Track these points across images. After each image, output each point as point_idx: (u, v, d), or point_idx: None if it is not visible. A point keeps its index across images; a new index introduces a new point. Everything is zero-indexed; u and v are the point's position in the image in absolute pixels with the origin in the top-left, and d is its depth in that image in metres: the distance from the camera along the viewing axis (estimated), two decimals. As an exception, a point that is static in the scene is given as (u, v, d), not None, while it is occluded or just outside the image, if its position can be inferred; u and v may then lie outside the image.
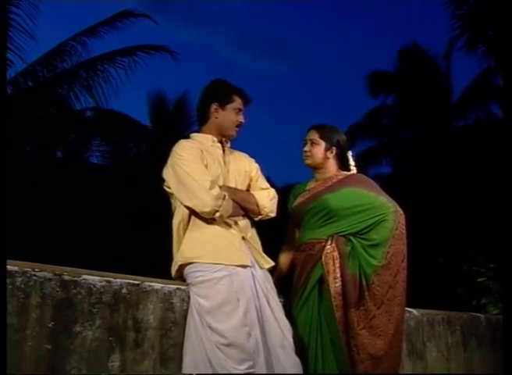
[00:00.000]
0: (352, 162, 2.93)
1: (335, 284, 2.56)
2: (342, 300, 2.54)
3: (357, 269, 2.59)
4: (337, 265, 2.59)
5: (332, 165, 2.86)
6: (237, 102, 2.60)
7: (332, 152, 2.85)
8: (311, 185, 2.90)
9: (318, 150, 2.84)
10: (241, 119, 2.61)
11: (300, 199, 2.85)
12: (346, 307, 2.53)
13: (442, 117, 12.52)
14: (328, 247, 2.63)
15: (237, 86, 2.66)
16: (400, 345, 2.69)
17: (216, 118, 2.60)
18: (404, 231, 2.73)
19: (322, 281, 2.61)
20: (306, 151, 2.86)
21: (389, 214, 2.70)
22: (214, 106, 2.59)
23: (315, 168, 2.88)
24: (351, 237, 2.65)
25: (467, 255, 12.06)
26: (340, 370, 2.50)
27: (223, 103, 2.58)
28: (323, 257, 2.61)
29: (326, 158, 2.84)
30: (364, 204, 2.71)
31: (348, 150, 2.95)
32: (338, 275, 2.57)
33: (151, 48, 9.47)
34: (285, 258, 2.88)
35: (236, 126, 2.61)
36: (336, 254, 2.60)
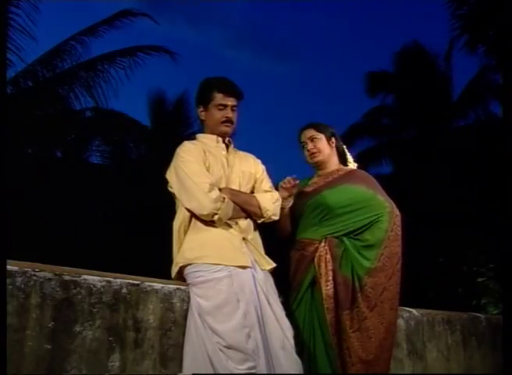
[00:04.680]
0: (349, 154, 2.95)
1: (326, 287, 2.55)
2: (333, 303, 2.53)
3: (350, 270, 2.57)
4: (329, 267, 2.57)
5: (334, 158, 2.88)
6: (218, 98, 2.53)
7: (333, 142, 2.88)
8: (313, 180, 2.90)
9: (323, 143, 2.85)
10: (225, 114, 2.53)
11: (300, 195, 2.83)
12: (338, 310, 2.52)
13: (442, 117, 12.52)
14: (321, 249, 2.62)
15: (229, 81, 2.59)
16: (390, 349, 2.66)
17: (204, 120, 2.60)
18: (400, 233, 2.70)
19: (315, 283, 2.60)
20: (311, 149, 2.84)
21: (384, 214, 2.68)
22: (200, 109, 2.60)
23: (322, 163, 2.87)
24: (344, 239, 2.64)
25: (467, 255, 12.06)
26: (334, 371, 2.49)
27: (206, 104, 2.57)
28: (316, 259, 2.61)
29: (331, 148, 2.86)
30: (361, 202, 2.70)
31: (342, 142, 2.97)
32: (330, 278, 2.56)
33: (150, 49, 9.48)
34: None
35: (223, 123, 2.54)
36: (328, 256, 2.59)
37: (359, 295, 2.55)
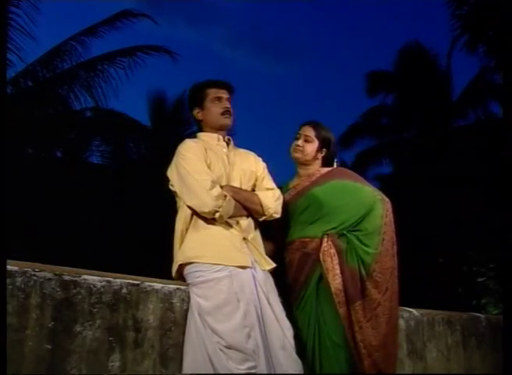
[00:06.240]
0: (335, 165, 2.96)
1: (335, 281, 2.56)
2: (344, 296, 2.54)
3: (356, 261, 2.60)
4: (335, 261, 2.59)
5: (318, 164, 2.89)
6: (212, 93, 2.57)
7: (322, 153, 2.87)
8: (294, 182, 2.90)
9: (311, 148, 2.84)
10: (224, 105, 2.57)
11: (286, 197, 2.81)
12: (350, 302, 2.54)
13: (442, 117, 12.52)
14: (324, 244, 2.62)
15: (229, 82, 2.64)
16: (397, 332, 2.76)
17: (202, 120, 2.61)
18: (392, 218, 2.76)
19: (320, 280, 2.61)
20: (298, 146, 2.85)
21: (377, 202, 2.74)
22: (196, 111, 2.62)
23: (301, 163, 2.88)
24: (345, 232, 2.66)
25: (467, 255, 12.07)
26: (341, 369, 2.50)
27: (200, 103, 2.59)
28: (321, 255, 2.61)
29: (316, 158, 2.86)
30: (352, 194, 2.75)
31: (335, 153, 2.97)
32: (337, 271, 2.57)
33: (150, 48, 9.48)
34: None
35: (223, 114, 2.57)
36: (333, 251, 2.60)
37: (368, 283, 2.58)
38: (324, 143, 2.85)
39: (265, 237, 2.60)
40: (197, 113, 2.62)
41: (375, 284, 2.59)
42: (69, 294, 1.96)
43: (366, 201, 2.73)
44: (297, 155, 2.85)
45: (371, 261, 2.61)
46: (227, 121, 2.59)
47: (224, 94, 2.58)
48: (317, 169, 2.87)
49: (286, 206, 2.76)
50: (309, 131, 2.85)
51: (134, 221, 9.62)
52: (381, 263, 2.63)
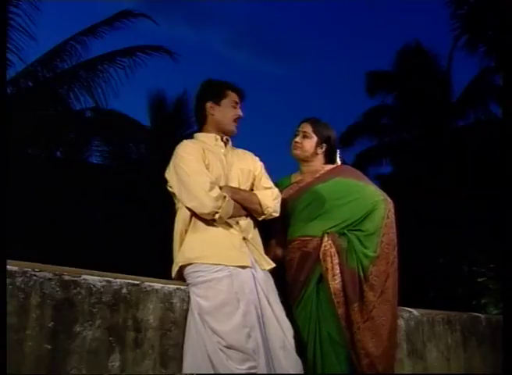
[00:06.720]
0: (338, 162, 2.95)
1: (334, 281, 2.55)
2: (343, 296, 2.54)
3: (356, 262, 2.60)
4: (335, 261, 2.58)
5: (319, 160, 2.87)
6: (232, 96, 2.59)
7: (321, 148, 2.85)
8: (297, 177, 2.89)
9: (309, 144, 2.83)
10: (238, 112, 2.60)
11: (288, 192, 2.81)
12: (348, 302, 2.54)
13: (442, 117, 12.52)
14: (325, 243, 2.62)
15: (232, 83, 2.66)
16: (396, 333, 2.75)
17: (213, 115, 2.60)
18: (394, 219, 2.75)
19: (320, 279, 2.61)
20: (297, 142, 2.85)
21: (379, 202, 2.73)
22: (209, 104, 2.59)
23: (302, 160, 2.87)
24: (346, 232, 2.65)
25: (467, 255, 12.06)
26: (342, 368, 2.50)
27: (217, 99, 2.59)
28: (321, 255, 2.60)
29: (315, 153, 2.85)
30: (355, 193, 2.74)
31: (337, 148, 2.95)
32: (337, 271, 2.57)
33: (150, 49, 9.48)
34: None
35: (234, 121, 2.60)
36: (333, 250, 2.60)
37: (365, 286, 2.58)
38: (323, 138, 2.84)
39: (265, 237, 2.60)
40: (210, 107, 2.59)
41: (371, 287, 2.58)
42: (69, 294, 1.96)
43: (368, 200, 2.72)
44: (296, 151, 2.85)
45: (368, 264, 2.60)
46: (234, 129, 2.62)
47: (239, 102, 2.62)
48: (320, 165, 2.86)
49: (287, 201, 2.75)
50: (307, 127, 2.85)
51: (134, 221, 9.63)
52: (378, 267, 2.62)
